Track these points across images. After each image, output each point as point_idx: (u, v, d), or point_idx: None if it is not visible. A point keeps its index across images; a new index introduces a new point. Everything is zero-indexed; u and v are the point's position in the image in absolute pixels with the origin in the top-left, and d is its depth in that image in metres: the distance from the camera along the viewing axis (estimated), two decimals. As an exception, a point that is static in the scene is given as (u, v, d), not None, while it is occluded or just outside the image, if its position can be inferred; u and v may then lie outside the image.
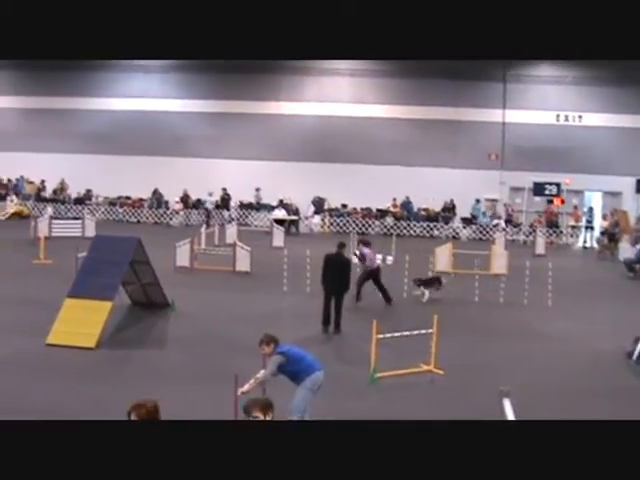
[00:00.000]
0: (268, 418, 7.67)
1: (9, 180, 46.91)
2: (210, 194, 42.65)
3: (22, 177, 46.96)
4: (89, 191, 45.49)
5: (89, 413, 12.43)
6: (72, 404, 13.57)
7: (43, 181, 46.53)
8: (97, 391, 14.48)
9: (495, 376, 15.62)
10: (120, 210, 43.40)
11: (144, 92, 45.75)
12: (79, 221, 36.52)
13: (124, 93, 46.11)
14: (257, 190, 43.43)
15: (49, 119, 46.95)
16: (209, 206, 42.68)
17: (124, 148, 45.07)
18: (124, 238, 20.69)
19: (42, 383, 14.87)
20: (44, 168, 45.96)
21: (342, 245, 20.61)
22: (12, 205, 43.74)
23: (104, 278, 18.29)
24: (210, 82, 44.58)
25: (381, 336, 15.53)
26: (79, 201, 44.54)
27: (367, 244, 23.44)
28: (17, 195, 45.28)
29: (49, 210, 40.79)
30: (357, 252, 23.79)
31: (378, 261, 24.23)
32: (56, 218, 37.77)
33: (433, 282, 23.65)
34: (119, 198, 45.10)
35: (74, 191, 45.98)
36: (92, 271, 18.62)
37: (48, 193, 46.31)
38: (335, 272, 19.61)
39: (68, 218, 39.61)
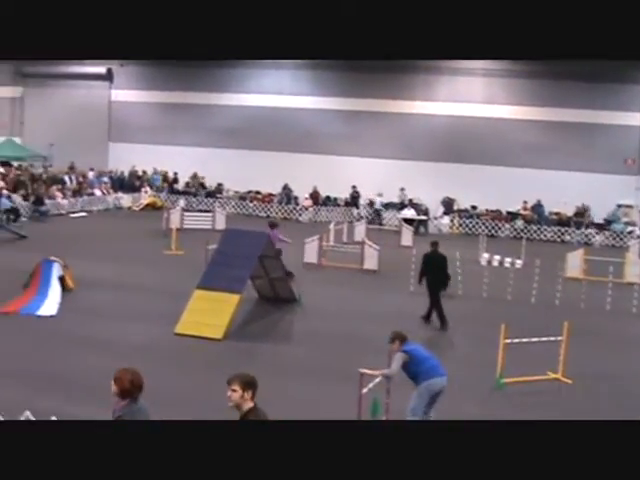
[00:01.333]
0: (246, 395, 7.60)
1: (144, 172, 48.14)
2: (380, 195, 42.40)
3: (156, 169, 48.17)
4: (220, 185, 46.26)
5: (214, 405, 12.60)
6: (199, 394, 13.81)
7: (176, 173, 47.60)
8: (222, 383, 14.66)
9: (626, 388, 15.14)
10: (250, 204, 43.95)
11: (276, 89, 46.20)
12: (210, 214, 37.16)
13: (256, 89, 46.68)
14: (402, 190, 43.06)
15: (183, 114, 48.02)
16: (378, 207, 42.44)
17: (256, 143, 45.67)
18: (254, 232, 20.94)
19: (171, 372, 15.18)
20: (177, 161, 47.09)
21: (436, 243, 21.27)
22: (146, 196, 44.91)
23: (233, 271, 18.56)
24: (342, 80, 44.63)
25: (509, 341, 15.26)
26: (210, 194, 45.34)
27: (273, 226, 23.97)
28: (151, 187, 46.45)
29: (181, 202, 41.66)
30: None
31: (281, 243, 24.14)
32: (188, 210, 38.55)
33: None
34: (249, 192, 45.70)
35: (208, 184, 46.83)
36: (222, 264, 18.92)
37: (181, 185, 47.32)
38: (435, 269, 20.35)
39: (199, 211, 40.38)
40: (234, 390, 7.65)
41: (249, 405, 7.64)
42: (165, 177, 47.85)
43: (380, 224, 39.52)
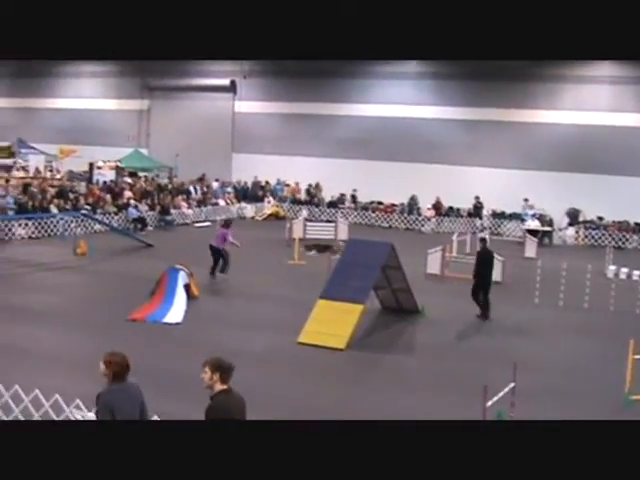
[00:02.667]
0: (214, 377, 8.07)
1: (267, 182, 48.69)
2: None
3: (279, 180, 48.68)
4: (342, 195, 46.38)
5: (336, 413, 12.59)
6: (321, 403, 13.80)
7: (297, 184, 47.99)
8: (344, 392, 14.66)
9: None
10: (372, 215, 43.90)
11: (398, 99, 46.06)
12: (332, 224, 37.26)
13: (378, 99, 46.66)
14: (525, 200, 42.21)
15: (305, 124, 48.43)
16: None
17: (377, 154, 45.67)
18: (377, 243, 20.87)
19: (294, 381, 15.24)
20: (299, 171, 47.50)
21: (485, 240, 22.99)
22: (269, 206, 45.39)
23: (356, 281, 18.52)
24: (465, 89, 44.18)
25: (638, 357, 14.73)
26: (332, 204, 45.50)
27: (226, 225, 25.80)
28: (273, 197, 46.95)
29: (304, 212, 41.93)
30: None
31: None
32: (310, 220, 38.75)
33: (325, 249, 25.65)
34: (371, 203, 45.67)
35: (328, 195, 47.04)
36: (345, 274, 18.91)
37: (303, 195, 47.68)
38: (488, 266, 21.74)
39: (321, 221, 40.54)
40: (205, 372, 8.09)
41: (220, 387, 8.10)
42: (287, 187, 48.32)
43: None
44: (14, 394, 11.65)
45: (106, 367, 8.11)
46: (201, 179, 48.05)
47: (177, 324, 19.23)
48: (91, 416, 8.13)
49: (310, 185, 47.49)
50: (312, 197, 47.13)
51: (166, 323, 19.26)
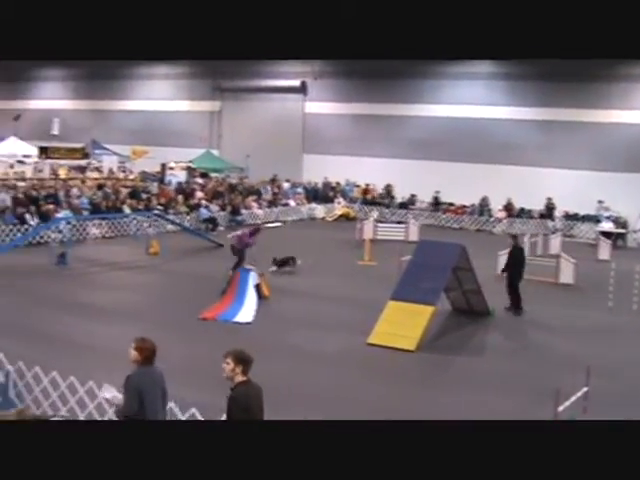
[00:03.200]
0: (237, 369, 8.40)
1: (337, 183, 48.74)
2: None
3: (349, 180, 48.70)
4: (413, 196, 46.20)
5: (407, 414, 12.53)
6: (391, 404, 13.76)
7: (368, 184, 47.93)
8: (415, 393, 14.60)
9: None
10: (443, 216, 43.64)
11: (470, 99, 45.71)
12: (403, 225, 37.12)
13: (449, 100, 46.37)
14: (599, 202, 41.53)
15: (376, 125, 48.38)
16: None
17: (448, 154, 45.38)
18: (448, 244, 20.73)
19: (364, 381, 15.23)
20: (370, 172, 47.43)
21: (516, 236, 23.36)
22: (339, 207, 45.43)
23: (427, 283, 18.42)
24: (537, 89, 43.60)
25: None
26: (403, 206, 45.36)
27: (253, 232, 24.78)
28: (344, 198, 46.97)
29: (374, 213, 41.84)
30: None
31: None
32: (380, 221, 38.64)
33: (287, 262, 25.86)
34: (442, 204, 45.39)
35: (399, 196, 46.91)
36: (415, 275, 18.82)
37: (373, 197, 47.61)
38: (519, 262, 22.06)
39: (392, 222, 40.43)
40: (227, 363, 8.46)
41: (240, 378, 8.47)
42: (358, 188, 48.30)
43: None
44: (89, 390, 11.84)
45: (138, 353, 8.68)
46: (273, 180, 48.34)
47: (247, 324, 19.34)
48: (119, 397, 8.72)
49: (389, 185, 47.31)
50: (383, 198, 47.04)
51: (236, 322, 19.39)
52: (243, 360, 8.55)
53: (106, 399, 9.25)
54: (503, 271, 22.47)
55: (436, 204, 45.38)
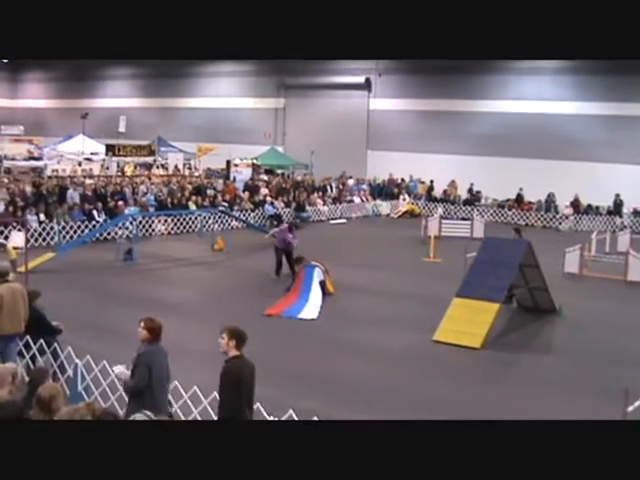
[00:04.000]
0: (231, 343, 9.05)
1: (402, 180, 48.59)
2: None
3: (412, 177, 48.51)
4: (478, 193, 45.85)
5: (474, 412, 12.44)
6: (455, 402, 13.68)
7: (432, 181, 47.66)
8: (481, 391, 14.48)
9: None
10: (508, 213, 43.20)
11: (536, 94, 45.19)
12: (468, 222, 36.86)
13: (515, 95, 45.90)
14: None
15: (440, 121, 48.12)
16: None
17: (514, 151, 44.89)
18: (514, 241, 20.58)
19: (429, 378, 15.16)
20: (434, 168, 47.16)
21: (519, 230, 23.77)
22: (404, 204, 45.28)
23: (493, 280, 18.26)
24: (605, 83, 42.83)
25: None
26: (468, 202, 45.02)
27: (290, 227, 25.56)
28: (409, 194, 46.80)
29: (439, 210, 41.61)
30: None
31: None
32: (445, 218, 38.40)
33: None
34: (507, 200, 44.93)
35: (463, 192, 46.59)
36: (481, 272, 18.67)
37: (438, 193, 47.34)
38: None
39: (457, 218, 40.17)
40: (222, 338, 9.11)
41: (234, 353, 9.09)
42: (423, 184, 48.07)
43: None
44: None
45: (148, 332, 9.53)
46: (341, 177, 48.38)
47: (312, 320, 19.38)
48: (127, 373, 9.74)
49: (453, 182, 46.98)
50: (448, 194, 46.75)
51: (301, 319, 19.45)
52: (237, 335, 9.16)
53: (115, 375, 10.18)
54: None
55: (519, 201, 44.82)
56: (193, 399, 11.59)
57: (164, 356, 9.77)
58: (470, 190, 45.70)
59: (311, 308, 20.21)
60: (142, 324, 9.59)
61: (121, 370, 9.80)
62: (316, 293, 21.20)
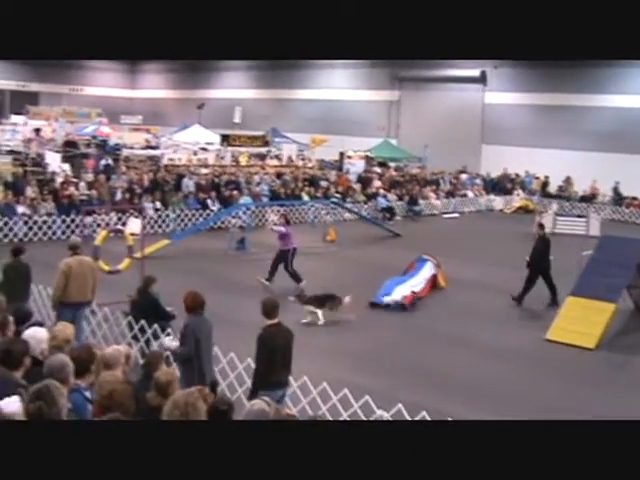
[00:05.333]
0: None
1: (516, 175, 47.86)
2: None
3: (528, 172, 47.71)
4: (595, 189, 44.78)
5: (588, 413, 12.17)
6: (567, 403, 13.42)
7: (547, 177, 46.76)
8: (592, 393, 14.18)
9: None
10: (626, 211, 42.01)
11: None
12: (583, 219, 36.02)
13: (635, 90, 44.62)
14: None
15: (557, 116, 47.17)
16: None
17: (631, 147, 43.64)
18: (633, 240, 20.00)
19: (541, 378, 14.91)
20: (549, 164, 46.16)
21: (542, 225, 22.31)
22: (518, 199, 44.60)
23: (609, 279, 17.80)
24: None
25: None
26: (584, 199, 44.00)
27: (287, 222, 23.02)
28: (523, 190, 46.07)
29: (554, 206, 40.78)
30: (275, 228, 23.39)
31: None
32: (560, 215, 37.62)
33: (326, 300, 18.26)
34: (624, 198, 43.66)
35: (580, 189, 45.55)
36: (597, 271, 18.25)
37: (553, 189, 46.44)
38: (544, 253, 20.92)
39: (572, 215, 39.28)
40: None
41: (269, 322, 10.23)
42: (537, 180, 47.24)
43: None
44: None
45: (191, 303, 10.64)
46: (462, 171, 47.97)
47: (423, 312, 19.23)
48: (175, 344, 10.96)
49: (569, 178, 45.95)
50: (562, 190, 45.82)
51: (385, 303, 19.48)
52: (262, 308, 10.30)
53: (165, 347, 11.17)
54: (528, 265, 20.89)
55: (619, 198, 43.66)
56: (302, 388, 11.63)
57: (208, 326, 10.77)
58: (616, 189, 44.19)
59: (399, 291, 19.93)
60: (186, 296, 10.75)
61: (169, 342, 11.18)
62: (416, 280, 20.91)
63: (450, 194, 43.77)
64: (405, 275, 21.37)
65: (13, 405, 6.18)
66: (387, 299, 19.57)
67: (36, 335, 8.11)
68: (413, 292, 20.10)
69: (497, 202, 44.68)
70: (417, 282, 20.96)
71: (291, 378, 11.37)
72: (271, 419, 6.43)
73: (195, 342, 10.40)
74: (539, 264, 20.77)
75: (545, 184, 46.63)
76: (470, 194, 44.85)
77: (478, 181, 47.03)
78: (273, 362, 10.19)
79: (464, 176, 47.18)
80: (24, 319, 9.53)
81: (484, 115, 51.20)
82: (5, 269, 14.14)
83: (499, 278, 23.64)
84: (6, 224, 25.83)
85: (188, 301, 10.68)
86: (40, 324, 9.17)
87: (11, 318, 9.12)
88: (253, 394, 9.89)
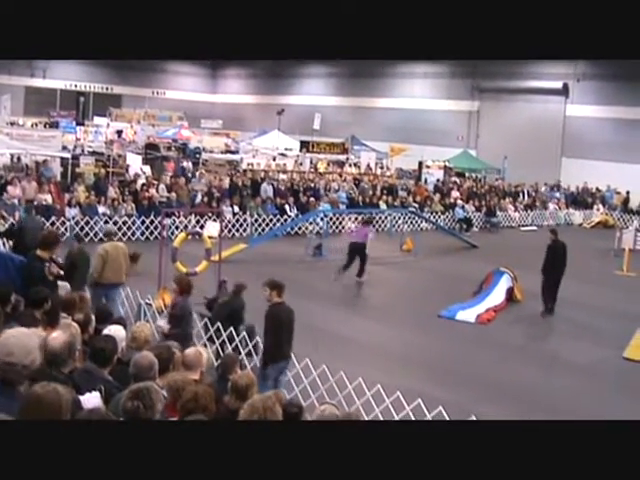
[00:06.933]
0: (273, 294, 11.50)
1: (597, 189, 47.12)
2: None
3: (609, 187, 46.92)
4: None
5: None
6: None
7: (628, 192, 45.91)
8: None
9: None
10: None
11: None
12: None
13: None
14: None
15: (639, 130, 46.31)
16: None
17: None
18: None
19: (616, 397, 14.63)
20: (631, 179, 45.26)
21: (555, 231, 21.91)
22: (598, 214, 43.90)
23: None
24: None
25: None
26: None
27: (365, 223, 25.63)
28: (603, 205, 45.34)
29: (635, 222, 40.01)
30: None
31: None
32: (641, 231, 36.87)
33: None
34: None
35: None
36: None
37: (635, 205, 45.59)
38: (560, 257, 20.48)
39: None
40: (265, 290, 11.57)
41: (276, 300, 11.53)
42: (619, 195, 46.42)
43: None
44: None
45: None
46: (558, 186, 47.51)
47: (468, 323, 19.11)
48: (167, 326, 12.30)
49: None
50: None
51: (457, 320, 19.22)
52: (276, 285, 11.58)
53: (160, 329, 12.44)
54: (543, 271, 20.50)
55: None
56: (357, 391, 11.62)
57: (288, 313, 11.72)
58: None
59: (474, 311, 19.76)
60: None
61: (163, 323, 12.61)
62: (494, 298, 20.80)
63: (529, 207, 43.27)
64: (480, 295, 21.16)
65: (93, 400, 6.30)
66: (460, 316, 19.43)
67: (117, 334, 8.26)
68: (488, 310, 20.00)
69: (576, 216, 44.02)
70: (494, 299, 20.82)
71: (364, 386, 11.40)
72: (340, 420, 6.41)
73: (278, 324, 11.54)
74: (548, 271, 20.47)
75: (626, 200, 45.79)
76: (550, 207, 44.26)
77: (558, 195, 46.38)
78: (279, 337, 11.61)
79: (544, 188, 46.62)
80: (105, 318, 9.72)
81: (565, 128, 50.62)
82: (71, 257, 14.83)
83: (577, 293, 23.25)
84: (87, 223, 26.30)
85: (183, 284, 12.12)
86: (120, 322, 9.33)
87: (93, 316, 9.34)
88: (265, 365, 11.59)
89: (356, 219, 31.55)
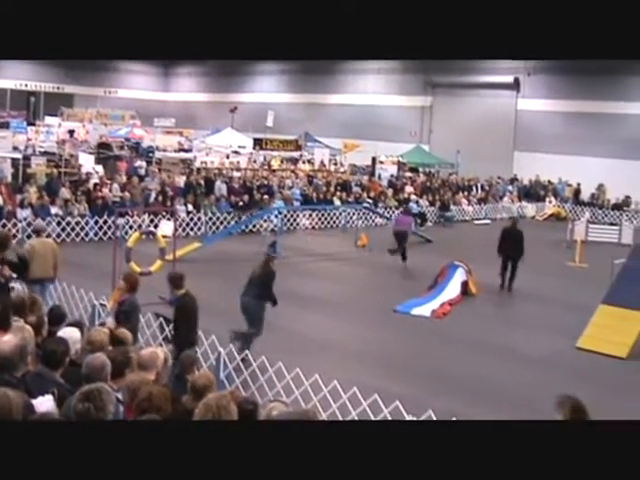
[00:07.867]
0: (175, 289, 12.50)
1: (549, 182, 47.63)
2: None
3: (561, 179, 47.46)
4: (628, 197, 44.43)
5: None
6: (598, 412, 13.27)
7: (579, 184, 46.48)
8: (624, 403, 14.03)
9: None
10: (660, 219, 41.68)
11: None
12: (616, 227, 35.80)
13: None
14: None
15: (589, 123, 46.86)
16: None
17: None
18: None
19: (571, 386, 14.72)
20: (582, 171, 45.83)
21: (516, 219, 25.57)
22: (550, 206, 44.38)
23: (642, 288, 17.71)
24: None
25: None
26: (617, 207, 43.70)
27: (405, 212, 28.56)
28: (555, 197, 45.83)
29: (586, 214, 40.53)
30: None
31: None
32: (593, 222, 37.37)
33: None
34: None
35: (612, 196, 45.23)
36: (630, 279, 18.15)
37: (586, 197, 46.17)
38: (511, 242, 23.03)
39: (605, 223, 39.00)
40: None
41: (179, 292, 12.32)
42: (570, 187, 46.97)
43: None
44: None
45: (136, 284, 12.14)
46: (514, 179, 48.02)
47: (424, 317, 19.22)
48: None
49: (601, 185, 45.64)
50: (595, 198, 45.54)
51: (412, 315, 19.29)
52: (173, 280, 12.43)
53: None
54: (498, 252, 23.21)
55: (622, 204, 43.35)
56: (314, 387, 11.65)
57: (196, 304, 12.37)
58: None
59: (429, 306, 19.88)
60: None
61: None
62: (449, 292, 20.95)
63: (483, 201, 43.60)
64: (436, 289, 21.27)
65: (46, 403, 6.25)
66: (416, 311, 19.52)
67: (72, 336, 8.19)
68: (443, 304, 20.14)
69: (529, 209, 44.47)
70: (449, 292, 20.97)
71: (320, 383, 11.43)
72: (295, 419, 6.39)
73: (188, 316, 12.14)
74: (503, 251, 23.15)
75: (578, 192, 46.37)
76: (506, 200, 44.65)
77: (510, 188, 46.80)
78: (193, 324, 12.31)
79: (499, 184, 47.04)
80: (59, 320, 9.61)
81: (517, 122, 51.03)
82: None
83: (530, 285, 23.51)
84: (39, 225, 26.02)
85: (131, 281, 12.25)
86: (76, 324, 9.24)
87: (46, 318, 9.24)
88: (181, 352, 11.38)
89: (310, 216, 31.54)
